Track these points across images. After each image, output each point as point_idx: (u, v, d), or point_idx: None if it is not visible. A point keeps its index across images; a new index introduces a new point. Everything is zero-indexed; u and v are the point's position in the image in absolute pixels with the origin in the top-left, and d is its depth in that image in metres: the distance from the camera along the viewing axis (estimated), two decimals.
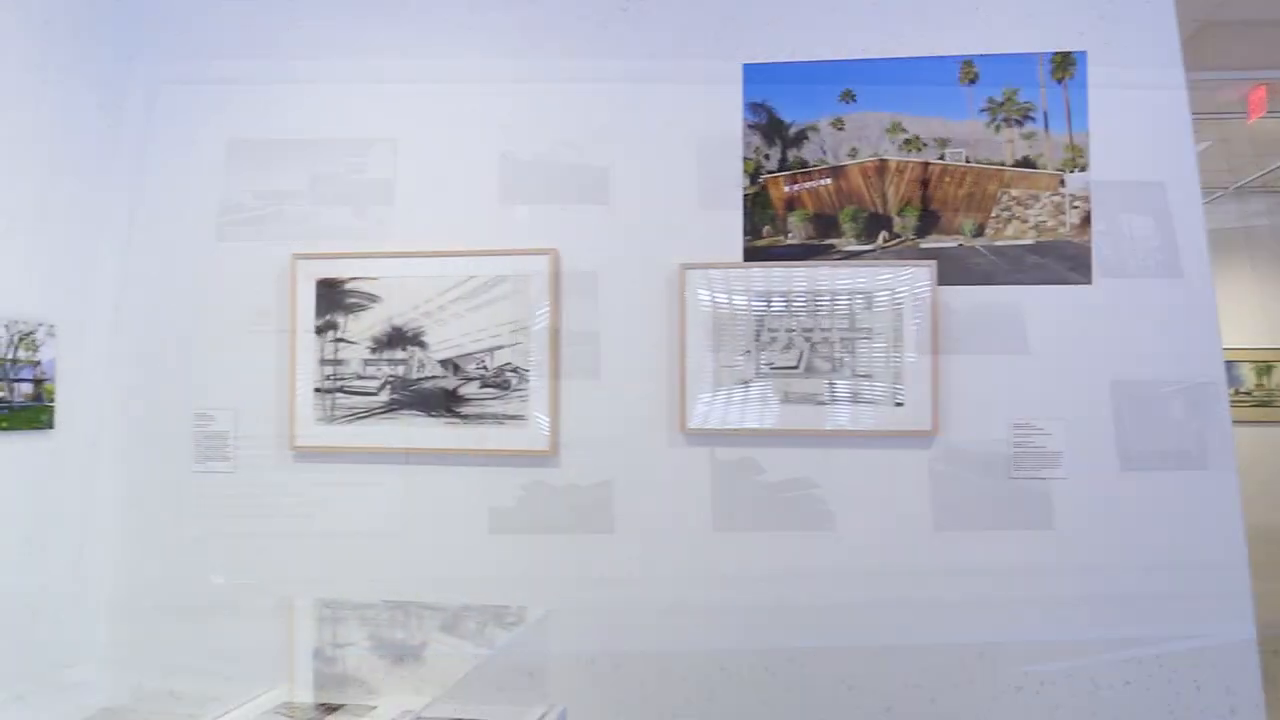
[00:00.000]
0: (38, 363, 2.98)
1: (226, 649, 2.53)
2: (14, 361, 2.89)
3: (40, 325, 2.99)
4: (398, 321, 3.06)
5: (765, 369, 2.92)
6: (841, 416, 2.88)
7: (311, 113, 3.21)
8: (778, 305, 2.92)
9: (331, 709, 1.96)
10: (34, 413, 2.97)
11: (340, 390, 3.08)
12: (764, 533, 2.91)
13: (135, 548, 3.24)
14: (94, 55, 3.23)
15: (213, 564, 3.18)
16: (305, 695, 2.09)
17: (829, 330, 2.89)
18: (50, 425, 3.03)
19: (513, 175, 3.08)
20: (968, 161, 2.92)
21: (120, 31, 3.32)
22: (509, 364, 3.01)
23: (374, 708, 1.97)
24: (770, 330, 2.91)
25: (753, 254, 2.97)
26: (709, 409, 2.93)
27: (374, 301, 3.08)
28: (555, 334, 3.00)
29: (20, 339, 2.92)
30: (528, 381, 2.99)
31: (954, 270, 2.88)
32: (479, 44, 3.14)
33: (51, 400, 3.04)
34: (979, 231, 2.89)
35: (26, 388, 2.95)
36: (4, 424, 2.86)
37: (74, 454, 3.15)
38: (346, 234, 3.14)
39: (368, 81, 3.18)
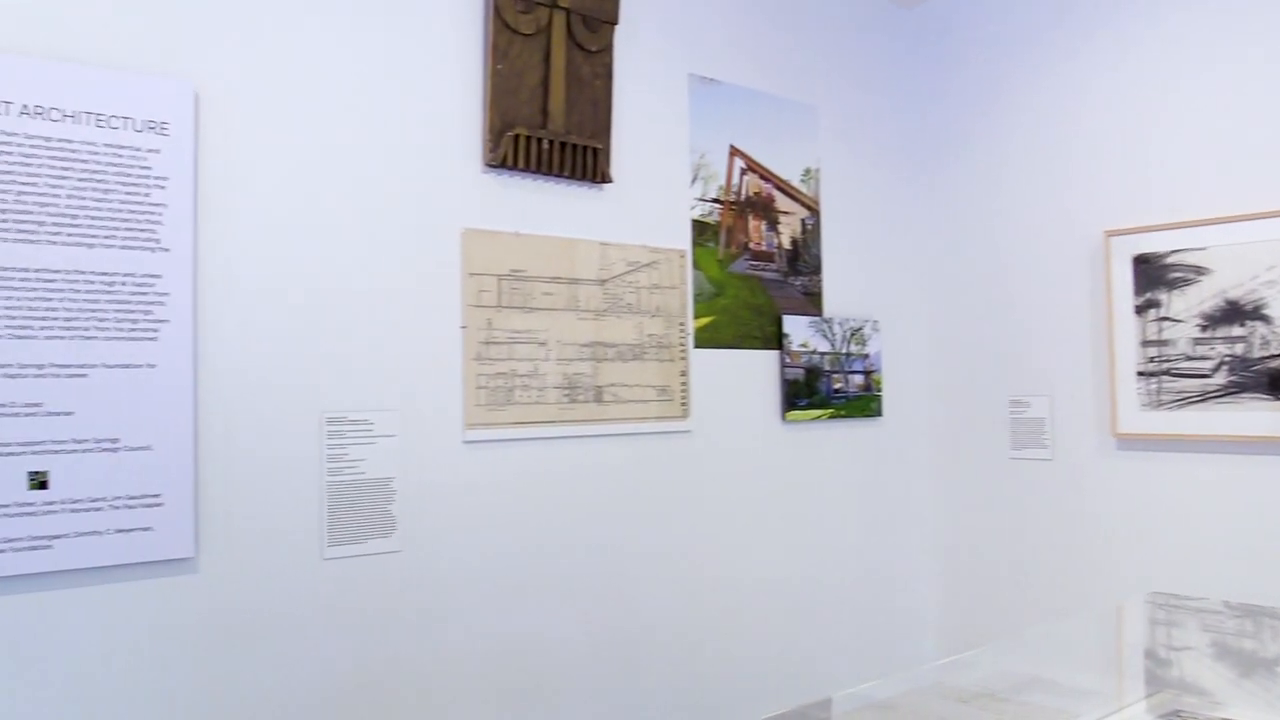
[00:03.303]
0: (866, 355, 3.25)
1: (1060, 643, 2.47)
2: (847, 355, 3.19)
3: (867, 321, 3.26)
4: (1232, 294, 2.73)
5: None
6: None
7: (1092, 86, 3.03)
8: None
9: None
10: (865, 401, 3.25)
11: (1167, 373, 2.84)
12: None
13: (955, 530, 3.37)
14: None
15: (1031, 552, 3.16)
16: (1197, 705, 1.90)
17: None
18: (879, 413, 3.28)
19: None
20: None
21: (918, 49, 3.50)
22: None
23: None
24: None
25: None
26: None
27: (1202, 274, 2.79)
28: None
29: (851, 334, 3.21)
30: None
31: None
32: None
33: (879, 390, 3.29)
34: None
35: (858, 379, 3.23)
36: (843, 412, 3.17)
37: (899, 440, 3.38)
38: (1164, 204, 2.90)
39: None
